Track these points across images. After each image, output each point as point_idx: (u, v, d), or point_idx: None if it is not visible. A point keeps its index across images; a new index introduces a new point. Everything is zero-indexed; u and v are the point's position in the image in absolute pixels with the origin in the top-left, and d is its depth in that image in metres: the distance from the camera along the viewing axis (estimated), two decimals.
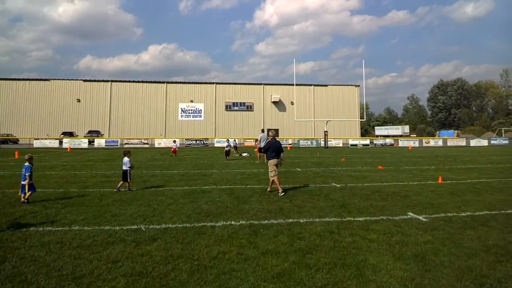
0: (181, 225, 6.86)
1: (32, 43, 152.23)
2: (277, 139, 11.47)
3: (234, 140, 31.46)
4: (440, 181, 13.27)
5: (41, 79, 59.21)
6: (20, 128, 56.15)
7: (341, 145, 48.59)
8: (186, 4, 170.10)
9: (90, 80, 60.86)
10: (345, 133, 60.99)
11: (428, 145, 50.61)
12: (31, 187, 9.18)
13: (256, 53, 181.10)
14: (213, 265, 4.87)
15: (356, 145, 47.68)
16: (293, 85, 49.15)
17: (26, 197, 9.04)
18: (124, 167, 11.13)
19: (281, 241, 5.89)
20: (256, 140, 24.24)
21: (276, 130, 61.80)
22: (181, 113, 62.04)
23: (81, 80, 60.45)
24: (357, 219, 7.48)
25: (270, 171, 10.72)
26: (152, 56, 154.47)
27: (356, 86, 68.56)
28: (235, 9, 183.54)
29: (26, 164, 9.35)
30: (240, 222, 7.12)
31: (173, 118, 61.17)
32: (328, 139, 43.90)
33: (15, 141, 51.51)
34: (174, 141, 29.19)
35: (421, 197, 10.11)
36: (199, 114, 62.52)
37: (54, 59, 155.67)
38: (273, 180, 10.69)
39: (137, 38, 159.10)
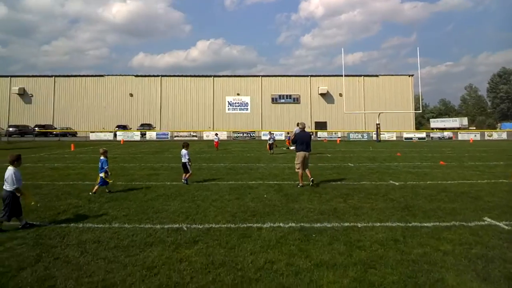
0: (225, 226, 6.29)
1: (89, 42, 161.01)
2: (307, 131, 10.93)
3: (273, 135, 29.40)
4: None
5: (96, 75, 62.00)
6: (78, 122, 59.24)
7: (394, 138, 46.12)
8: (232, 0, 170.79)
9: (141, 76, 62.74)
10: (398, 126, 57.99)
11: (490, 138, 46.69)
12: (101, 181, 9.33)
13: (302, 45, 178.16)
14: (259, 277, 4.22)
15: (411, 138, 45.06)
16: (341, 76, 47.29)
17: (94, 190, 9.25)
18: (183, 159, 11.03)
19: (338, 250, 5.11)
20: (288, 133, 24.15)
21: (323, 123, 60.21)
22: (228, 106, 62.23)
23: (133, 75, 62.48)
24: (425, 224, 6.49)
25: (296, 163, 10.51)
26: (201, 52, 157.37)
27: (409, 76, 64.86)
28: (280, 1, 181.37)
29: (102, 158, 9.56)
30: (290, 224, 6.42)
31: (220, 111, 61.55)
32: (381, 132, 41.76)
33: (74, 134, 54.45)
34: (216, 134, 28.44)
35: (495, 198, 8.81)
36: (245, 107, 62.36)
37: (110, 57, 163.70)
38: (299, 174, 10.48)
39: (186, 34, 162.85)
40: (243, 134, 48.12)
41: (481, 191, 9.76)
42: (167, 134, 48.07)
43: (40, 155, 21.09)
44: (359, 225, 6.42)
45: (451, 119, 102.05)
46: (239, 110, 62.25)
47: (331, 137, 45.45)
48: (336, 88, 61.46)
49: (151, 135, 47.41)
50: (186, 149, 11.14)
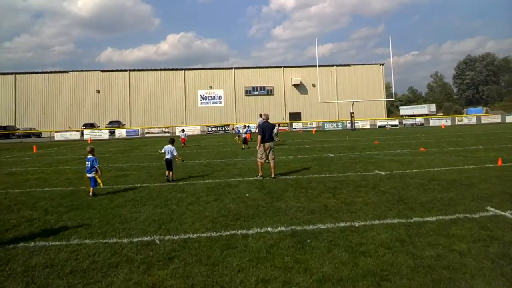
0: (205, 235, 5.42)
1: (54, 37, 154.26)
2: (270, 122, 10.73)
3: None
4: (500, 163, 11.41)
5: (60, 71, 59.08)
6: (42, 122, 56.37)
7: (368, 126, 46.31)
8: None
9: (108, 70, 60.29)
10: (371, 114, 58.45)
11: (461, 123, 47.67)
12: (94, 180, 8.60)
13: (274, 38, 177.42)
14: None
15: (384, 126, 45.34)
16: (314, 66, 46.97)
17: (92, 193, 8.56)
18: (168, 155, 10.30)
19: (340, 259, 4.36)
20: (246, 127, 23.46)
21: (298, 114, 59.88)
22: (201, 100, 60.90)
23: (99, 70, 59.93)
24: (427, 219, 5.86)
25: (259, 153, 10.45)
26: (171, 45, 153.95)
27: (380, 64, 65.57)
28: None
29: (90, 156, 8.69)
30: (279, 228, 5.62)
31: (193, 106, 60.13)
32: (355, 121, 41.72)
33: (38, 135, 51.62)
34: (183, 130, 25.72)
35: (489, 185, 8.36)
36: (218, 100, 61.22)
37: (76, 52, 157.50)
38: (259, 164, 10.54)
39: (156, 28, 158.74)
40: (217, 128, 47.02)
41: (472, 177, 9.31)
42: (138, 131, 46.33)
43: None
44: (357, 224, 5.71)
45: (419, 106, 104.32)
46: (212, 103, 61.04)
47: (306, 128, 45.07)
48: (309, 78, 61.24)
49: (120, 132, 45.50)
50: (172, 145, 10.47)
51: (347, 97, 56.56)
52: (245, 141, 21.29)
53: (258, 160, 10.51)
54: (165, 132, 46.64)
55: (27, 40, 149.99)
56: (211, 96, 61.21)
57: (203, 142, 29.40)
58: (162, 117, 58.45)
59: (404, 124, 47.49)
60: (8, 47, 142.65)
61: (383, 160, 13.54)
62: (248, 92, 61.17)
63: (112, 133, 45.58)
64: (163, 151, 10.53)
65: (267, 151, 10.30)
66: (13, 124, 54.59)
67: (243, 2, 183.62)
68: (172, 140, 10.78)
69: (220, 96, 61.19)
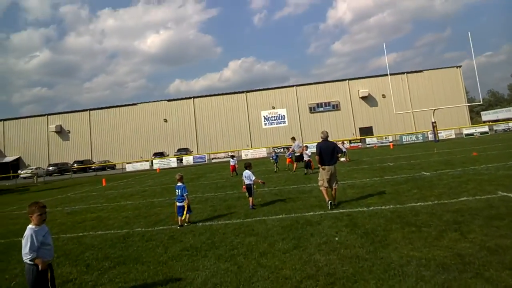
0: None
1: (128, 75, 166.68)
2: (330, 141, 9.05)
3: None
4: None
5: (129, 104, 61.84)
6: (116, 154, 58.98)
7: (453, 136, 41.35)
8: (259, 16, 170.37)
9: (174, 100, 61.97)
10: (452, 123, 52.75)
11: None
12: (188, 208, 8.45)
13: (333, 53, 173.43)
14: None
15: (472, 134, 40.18)
16: (381, 76, 43.51)
17: (186, 219, 8.46)
18: (247, 181, 9.78)
19: None
20: (288, 149, 21.48)
21: (369, 128, 56.14)
22: (264, 121, 59.84)
23: (165, 100, 61.84)
24: None
25: (320, 179, 9.00)
26: (233, 71, 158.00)
27: (457, 67, 59.69)
28: (307, 12, 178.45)
29: (179, 184, 8.65)
30: None
31: (257, 127, 59.23)
32: (438, 131, 37.39)
33: (112, 167, 53.94)
34: (232, 157, 21.91)
35: None
36: (282, 120, 59.69)
37: (148, 87, 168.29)
38: (323, 191, 8.92)
39: (218, 56, 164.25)
40: (283, 149, 45.20)
41: None
42: (204, 157, 46.20)
43: (66, 196, 19.36)
44: None
45: (504, 109, 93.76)
46: (276, 124, 59.65)
47: (381, 142, 41.43)
48: (378, 89, 57.49)
49: (188, 160, 45.70)
50: (250, 170, 9.89)
51: (422, 106, 51.76)
52: (304, 162, 18.01)
53: (320, 187, 8.95)
54: (231, 156, 45.86)
55: (104, 79, 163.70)
56: (274, 117, 59.97)
57: (269, 165, 27.71)
58: (228, 142, 58.26)
59: (495, 130, 41.76)
60: (88, 87, 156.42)
61: (498, 176, 10.64)
62: (312, 109, 58.95)
63: (180, 160, 45.95)
64: (243, 177, 9.92)
65: (328, 176, 8.65)
66: (90, 158, 57.78)
67: (299, 22, 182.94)
68: (248, 165, 10.07)
69: (283, 115, 59.70)
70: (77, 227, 9.69)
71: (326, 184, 8.72)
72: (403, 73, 58.35)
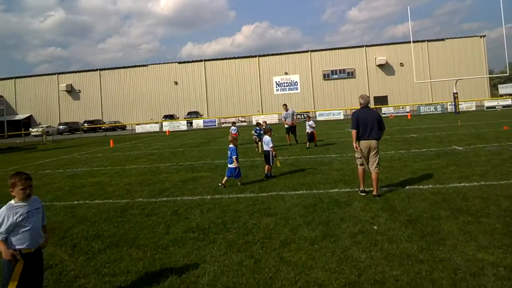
0: None
1: (141, 37, 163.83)
2: (371, 108, 6.99)
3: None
4: None
5: (139, 65, 60.33)
6: (126, 115, 58.22)
7: (473, 108, 39.42)
8: None
9: (184, 62, 60.31)
10: (471, 95, 50.39)
11: None
12: (230, 171, 8.18)
13: (349, 20, 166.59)
14: None
15: (494, 107, 38.22)
16: (400, 43, 40.80)
17: (241, 182, 8.32)
18: (266, 147, 9.05)
19: None
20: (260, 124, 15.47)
21: (384, 97, 54.12)
22: (276, 87, 58.09)
23: (176, 62, 60.15)
24: None
25: (358, 157, 6.83)
26: (246, 37, 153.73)
27: (481, 37, 56.50)
28: None
29: (231, 146, 8.35)
30: None
31: (268, 93, 57.58)
32: (459, 102, 35.56)
33: (123, 128, 53.20)
34: (234, 123, 18.34)
35: None
36: (295, 86, 57.87)
37: (161, 49, 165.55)
38: (360, 171, 6.85)
39: (231, 20, 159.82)
40: (299, 115, 43.83)
41: None
42: (215, 121, 45.12)
43: (71, 156, 18.58)
44: None
45: None
46: (288, 90, 57.88)
47: (398, 112, 39.75)
48: (396, 57, 54.97)
49: (198, 123, 44.72)
50: (269, 135, 9.15)
51: (442, 76, 49.38)
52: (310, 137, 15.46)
53: (359, 166, 6.84)
54: (242, 121, 44.82)
55: (117, 40, 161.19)
56: (286, 83, 58.10)
57: (281, 132, 26.55)
58: (238, 106, 56.88)
59: None
60: (101, 48, 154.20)
61: None
62: (326, 76, 56.83)
63: (190, 124, 45.03)
64: (263, 142, 9.57)
65: (368, 153, 6.61)
66: (100, 118, 57.13)
67: None
68: (269, 130, 9.48)
69: (296, 82, 57.77)
70: (74, 194, 8.80)
71: (364, 162, 6.66)
72: (423, 41, 55.39)
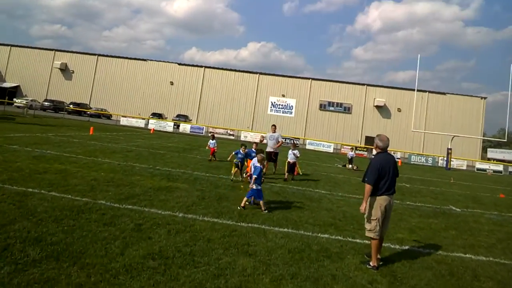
0: None
1: (148, 33, 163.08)
2: (389, 153, 5.55)
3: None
4: None
5: (139, 59, 59.22)
6: (114, 105, 56.63)
7: (464, 167, 39.31)
8: (290, 5, 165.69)
9: (184, 64, 59.39)
10: (463, 153, 50.53)
11: None
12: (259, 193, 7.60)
13: (353, 57, 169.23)
14: None
15: (485, 170, 38.18)
16: (401, 89, 40.76)
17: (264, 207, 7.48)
18: (254, 173, 7.87)
19: None
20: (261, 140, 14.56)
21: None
22: (271, 107, 57.55)
23: (176, 63, 59.28)
24: None
25: (372, 219, 5.14)
26: (250, 53, 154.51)
27: (482, 98, 57.39)
28: (337, 12, 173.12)
29: (257, 165, 7.87)
30: None
31: (262, 111, 56.94)
32: (451, 159, 35.40)
33: (108, 117, 51.63)
34: (213, 137, 16.61)
35: None
36: (289, 110, 57.44)
37: (165, 49, 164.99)
38: (375, 243, 5.12)
39: (239, 35, 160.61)
40: (285, 140, 43.16)
41: None
42: (202, 129, 44.05)
43: (46, 136, 17.32)
44: None
45: (511, 150, 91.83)
46: (282, 112, 57.39)
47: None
48: (395, 102, 55.23)
49: (185, 127, 43.57)
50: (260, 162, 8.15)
51: (437, 129, 49.62)
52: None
53: (372, 235, 5.13)
54: (230, 134, 43.94)
55: (124, 31, 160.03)
56: (282, 105, 57.67)
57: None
58: (229, 119, 56.02)
59: (510, 171, 39.71)
60: (106, 35, 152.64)
61: None
62: (322, 107, 56.65)
63: (177, 126, 43.88)
64: (251, 165, 8.33)
65: (384, 213, 5.14)
66: (87, 103, 55.48)
67: (328, 19, 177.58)
68: (260, 151, 9.31)
69: (291, 106, 57.40)
70: (32, 179, 7.71)
71: (379, 231, 5.11)
72: (425, 91, 55.91)
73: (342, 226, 7.07)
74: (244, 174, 9.86)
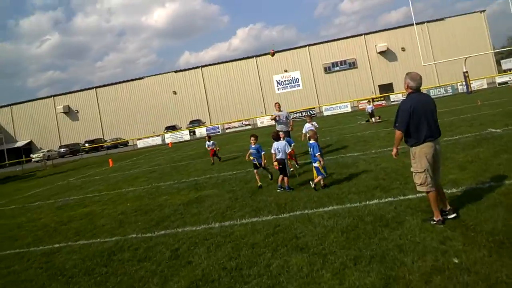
0: None
1: (138, 51, 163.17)
2: (424, 93, 4.77)
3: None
4: None
5: (135, 79, 59.12)
6: (127, 130, 56.97)
7: (485, 86, 37.55)
8: None
9: (181, 70, 58.97)
10: (478, 72, 48.30)
11: None
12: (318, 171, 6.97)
13: (342, 12, 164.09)
14: None
15: (506, 83, 36.45)
16: (399, 28, 39.06)
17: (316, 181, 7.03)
18: (279, 155, 7.53)
19: None
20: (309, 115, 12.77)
21: (389, 85, 52.45)
22: (277, 85, 56.62)
23: (172, 72, 58.86)
24: None
25: (419, 171, 4.48)
26: (241, 40, 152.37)
27: (481, 12, 54.81)
28: None
29: (312, 141, 7.13)
30: None
31: (270, 93, 56.05)
32: (470, 82, 33.83)
33: (125, 144, 51.97)
34: (209, 138, 15.14)
35: None
36: (296, 83, 56.35)
37: (158, 61, 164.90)
38: (432, 196, 4.46)
39: (225, 25, 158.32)
40: (301, 114, 42.29)
41: None
42: (218, 128, 43.73)
43: (67, 182, 17.27)
44: None
45: None
46: (290, 88, 56.38)
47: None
48: (397, 43, 53.37)
49: (201, 131, 43.37)
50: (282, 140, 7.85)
51: (446, 57, 47.56)
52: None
53: (424, 189, 4.48)
54: (246, 125, 43.39)
55: (115, 57, 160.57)
56: (287, 80, 56.60)
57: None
58: (241, 110, 55.42)
59: None
60: (100, 66, 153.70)
61: None
62: (327, 69, 55.26)
63: (193, 133, 43.72)
64: (272, 151, 7.67)
65: (432, 160, 4.46)
66: (101, 137, 55.99)
67: None
68: (276, 135, 8.04)
69: (297, 78, 56.24)
70: (58, 232, 7.41)
71: (431, 182, 4.42)
72: (423, 23, 53.53)
73: (388, 185, 6.46)
74: (266, 166, 8.50)
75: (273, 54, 14.59)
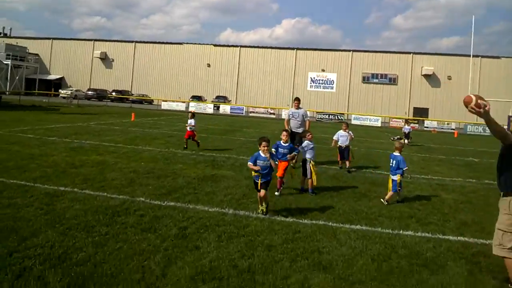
0: None
1: (184, 18, 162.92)
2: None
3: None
4: None
5: (175, 43, 58.98)
6: (155, 90, 57.02)
7: None
8: None
9: (220, 45, 58.39)
10: None
11: None
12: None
13: (392, 27, 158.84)
14: None
15: None
16: (450, 55, 36.94)
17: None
18: (308, 155, 7.07)
19: None
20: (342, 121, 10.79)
21: (425, 110, 50.69)
22: (311, 83, 55.48)
23: (211, 44, 58.31)
24: None
25: (506, 231, 3.56)
26: (285, 30, 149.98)
27: None
28: None
29: (396, 153, 6.80)
30: None
31: (301, 88, 54.91)
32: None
33: (150, 102, 52.00)
34: (193, 115, 12.28)
35: None
36: (330, 85, 55.09)
37: (201, 32, 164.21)
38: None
39: (273, 13, 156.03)
40: (329, 116, 41.34)
41: None
42: (242, 109, 43.15)
43: (87, 124, 17.10)
44: None
45: None
46: (323, 88, 55.17)
47: (442, 128, 36.67)
48: (444, 70, 51.27)
49: (225, 108, 42.93)
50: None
51: (493, 96, 45.54)
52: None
53: (502, 254, 3.62)
54: (271, 113, 42.69)
55: (161, 18, 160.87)
56: (322, 80, 55.36)
57: (315, 131, 24.38)
58: (268, 98, 54.66)
59: None
60: (144, 23, 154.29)
61: None
62: (365, 79, 53.75)
63: (217, 108, 43.35)
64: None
65: None
66: (129, 90, 56.27)
67: None
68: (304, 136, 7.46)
69: (332, 80, 54.95)
70: (66, 174, 7.07)
71: None
72: (477, 56, 51.33)
73: (424, 217, 5.83)
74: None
75: None
